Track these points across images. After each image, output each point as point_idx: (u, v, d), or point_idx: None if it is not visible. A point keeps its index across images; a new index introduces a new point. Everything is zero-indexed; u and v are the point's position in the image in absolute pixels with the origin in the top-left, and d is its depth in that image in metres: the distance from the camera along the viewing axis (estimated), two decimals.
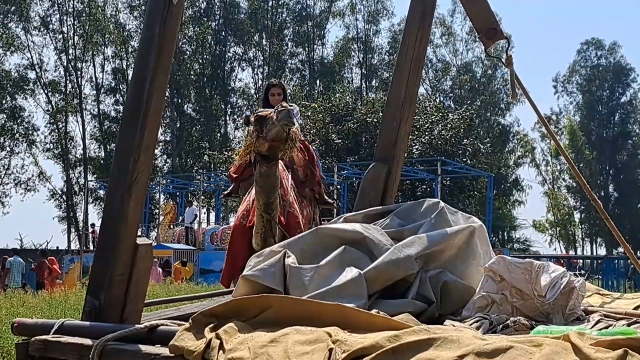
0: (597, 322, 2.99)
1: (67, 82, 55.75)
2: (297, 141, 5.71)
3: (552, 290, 3.12)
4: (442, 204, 3.75)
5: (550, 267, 3.21)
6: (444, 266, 3.44)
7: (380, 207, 4.01)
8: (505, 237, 59.54)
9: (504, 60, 3.89)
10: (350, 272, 3.29)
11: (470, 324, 2.94)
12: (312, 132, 43.64)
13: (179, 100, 58.05)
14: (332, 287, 3.21)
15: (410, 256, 3.32)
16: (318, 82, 61.94)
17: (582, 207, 64.08)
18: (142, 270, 3.02)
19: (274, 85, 7.77)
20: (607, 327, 2.84)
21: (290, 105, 7.91)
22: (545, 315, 3.11)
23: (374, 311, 2.93)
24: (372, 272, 3.26)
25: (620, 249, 65.78)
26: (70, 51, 55.47)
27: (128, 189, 2.95)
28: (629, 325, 2.85)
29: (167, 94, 48.40)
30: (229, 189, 8.21)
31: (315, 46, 62.53)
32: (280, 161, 6.34)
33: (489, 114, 62.65)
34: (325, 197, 8.08)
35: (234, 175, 7.76)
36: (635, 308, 3.24)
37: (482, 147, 46.54)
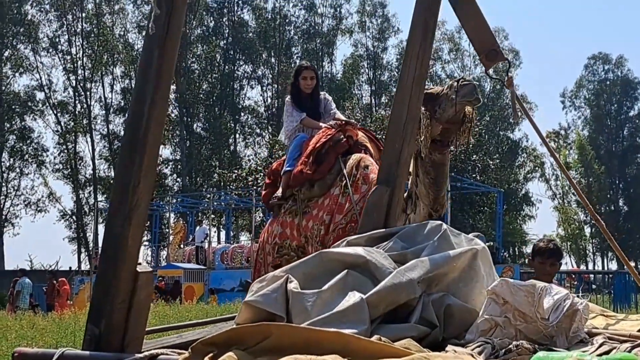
0: (601, 344, 2.97)
1: (77, 102, 55.99)
2: (474, 122, 5.06)
3: (555, 312, 3.10)
4: (444, 226, 3.74)
5: (553, 289, 3.19)
6: (447, 289, 3.42)
7: (384, 229, 3.99)
8: (517, 253, 59.34)
9: (504, 82, 3.89)
10: (353, 297, 3.27)
11: (473, 349, 2.92)
12: None
13: (189, 119, 58.20)
14: (334, 313, 3.19)
15: (413, 280, 3.30)
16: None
17: (593, 222, 63.74)
18: (143, 298, 3.02)
19: (306, 68, 7.16)
20: (609, 351, 2.82)
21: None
22: (548, 338, 3.09)
23: (375, 337, 2.91)
24: (374, 296, 3.24)
25: (632, 263, 65.40)
26: (79, 71, 55.76)
27: (128, 216, 2.95)
28: (632, 348, 2.83)
29: (176, 113, 48.71)
30: (280, 191, 6.86)
31: (324, 63, 62.67)
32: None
33: (498, 129, 62.57)
34: None
35: (311, 173, 6.48)
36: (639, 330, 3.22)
37: (491, 162, 46.51)
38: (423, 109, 4.62)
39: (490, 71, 4.03)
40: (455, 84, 4.68)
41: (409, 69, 3.97)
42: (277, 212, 6.86)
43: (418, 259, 3.45)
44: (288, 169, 6.75)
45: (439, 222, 3.82)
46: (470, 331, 3.25)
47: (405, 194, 5.12)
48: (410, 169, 5.03)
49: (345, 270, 3.45)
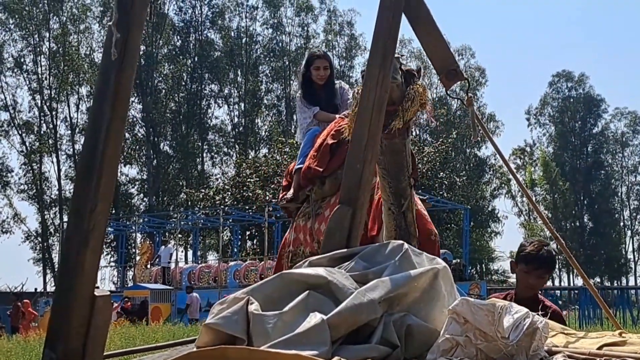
0: None
1: (42, 122, 55.58)
2: (419, 101, 4.23)
3: (515, 331, 3.10)
4: (406, 245, 3.73)
5: (513, 308, 3.20)
6: (408, 309, 3.42)
7: (346, 250, 3.99)
8: (484, 270, 59.66)
9: (464, 101, 3.91)
10: (314, 318, 3.25)
11: None
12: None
13: (155, 138, 57.98)
14: (295, 334, 3.17)
15: (374, 300, 3.29)
16: (295, 117, 62.17)
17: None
18: (100, 323, 2.98)
19: (319, 57, 6.49)
20: None
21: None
22: (509, 357, 3.09)
23: (336, 358, 2.90)
24: (335, 317, 3.22)
25: (597, 279, 66.13)
26: (45, 91, 55.37)
27: (85, 239, 2.92)
28: None
29: (143, 132, 48.47)
30: (290, 191, 6.22)
31: (291, 82, 62.87)
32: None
33: (464, 146, 63.06)
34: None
35: (320, 169, 5.83)
36: (599, 347, 3.24)
37: (458, 179, 46.83)
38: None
39: (451, 90, 4.06)
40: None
41: (369, 92, 3.99)
42: (294, 217, 6.24)
43: (379, 279, 3.45)
44: (299, 166, 6.14)
45: (401, 242, 3.82)
46: (431, 351, 3.24)
47: None
48: None
49: (307, 291, 3.43)
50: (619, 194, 70.66)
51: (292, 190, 6.16)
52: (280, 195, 6.53)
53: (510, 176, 63.37)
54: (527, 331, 3.16)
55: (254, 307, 3.37)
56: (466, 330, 3.24)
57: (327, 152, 5.77)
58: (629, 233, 70.14)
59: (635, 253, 69.36)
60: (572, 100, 69.46)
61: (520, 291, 4.56)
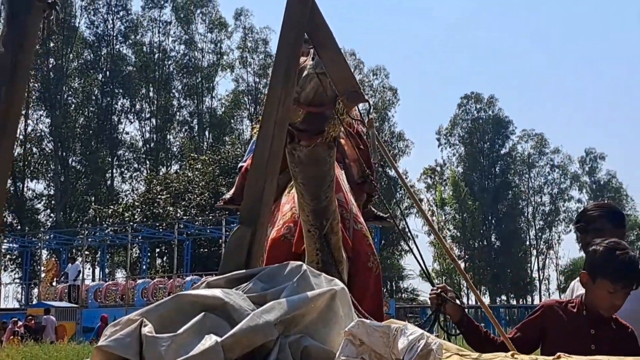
0: None
1: None
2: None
3: (409, 353, 3.13)
4: (305, 266, 3.72)
5: (408, 329, 3.22)
6: (305, 331, 3.40)
7: (244, 270, 3.96)
8: (394, 288, 60.23)
9: (366, 123, 3.93)
10: (209, 340, 3.21)
11: None
12: (201, 184, 43.36)
13: (64, 154, 56.76)
14: (189, 357, 3.12)
15: (270, 322, 3.27)
16: (208, 134, 61.78)
17: (467, 257, 65.57)
18: None
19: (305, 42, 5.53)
20: None
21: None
22: None
23: None
24: (230, 339, 3.19)
25: (504, 298, 67.55)
26: None
27: None
28: None
29: (51, 147, 47.34)
30: (232, 191, 5.63)
31: (204, 98, 62.50)
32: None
33: (376, 165, 63.42)
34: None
35: None
36: None
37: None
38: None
39: (353, 112, 4.05)
40: (313, 50, 3.64)
41: (272, 112, 3.98)
42: None
43: (276, 300, 3.43)
44: (241, 164, 5.56)
45: (299, 263, 3.81)
46: None
47: None
48: None
49: (203, 313, 3.39)
50: (525, 214, 72.43)
51: (232, 190, 5.66)
52: (231, 192, 5.89)
53: (422, 195, 64.39)
54: (422, 353, 3.18)
55: (148, 329, 3.31)
56: (362, 352, 3.25)
57: None
58: (534, 252, 71.99)
59: (540, 272, 71.23)
60: (481, 121, 71.00)
61: (602, 310, 3.78)
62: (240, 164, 5.73)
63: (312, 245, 4.16)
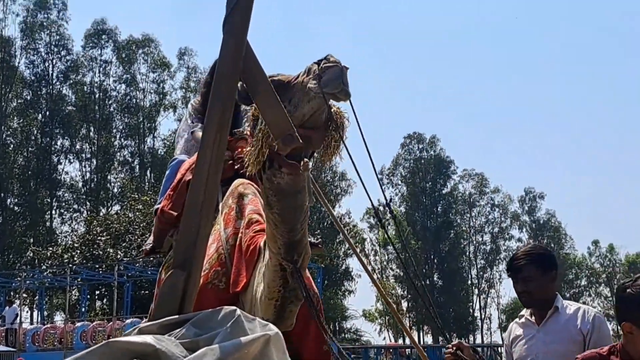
0: None
1: None
2: (344, 128, 3.50)
3: None
4: (238, 311, 3.68)
5: None
6: None
7: (178, 316, 3.90)
8: (337, 328, 60.06)
9: (301, 166, 3.92)
10: None
11: None
12: (142, 225, 42.87)
13: (2, 194, 55.73)
14: None
15: None
16: (149, 174, 61.28)
17: (410, 296, 65.84)
18: None
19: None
20: None
21: None
22: None
23: None
24: None
25: (447, 335, 67.67)
26: None
27: None
28: None
29: None
30: (150, 239, 5.32)
31: (146, 138, 62.06)
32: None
33: (320, 206, 63.58)
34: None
35: (174, 213, 4.78)
36: None
37: (313, 239, 47.07)
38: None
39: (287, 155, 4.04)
40: (316, 67, 3.28)
41: (206, 156, 3.94)
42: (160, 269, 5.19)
43: (209, 347, 3.39)
44: (157, 206, 5.20)
45: (233, 307, 3.77)
46: None
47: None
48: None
49: None
50: (467, 253, 73.20)
51: (151, 237, 5.30)
52: (150, 240, 5.51)
53: (365, 235, 64.62)
54: None
55: None
56: None
57: (184, 192, 4.46)
58: (476, 291, 72.61)
59: (482, 311, 71.82)
60: (423, 161, 71.83)
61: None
62: (155, 206, 5.34)
63: (276, 280, 3.90)
